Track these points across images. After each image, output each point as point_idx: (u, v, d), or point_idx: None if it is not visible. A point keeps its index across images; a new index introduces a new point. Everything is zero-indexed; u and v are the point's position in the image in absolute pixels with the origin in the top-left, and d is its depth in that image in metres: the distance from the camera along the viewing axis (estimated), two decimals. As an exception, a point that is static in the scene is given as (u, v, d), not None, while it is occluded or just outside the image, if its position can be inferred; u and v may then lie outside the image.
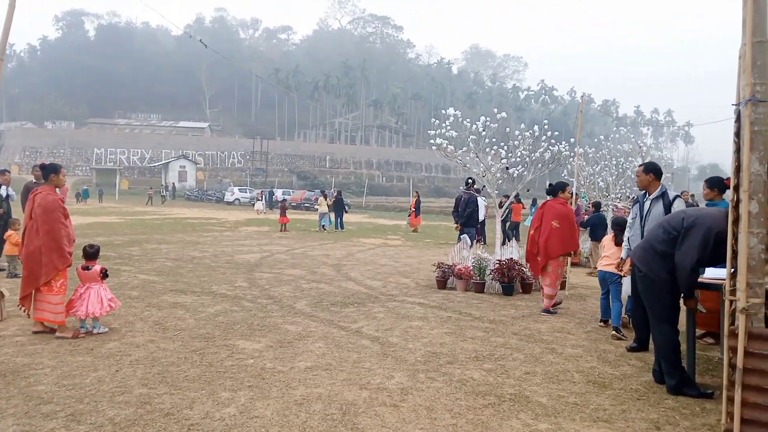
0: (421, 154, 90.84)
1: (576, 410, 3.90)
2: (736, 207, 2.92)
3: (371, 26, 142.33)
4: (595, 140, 15.04)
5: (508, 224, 16.39)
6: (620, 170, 13.49)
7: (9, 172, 11.20)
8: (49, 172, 5.54)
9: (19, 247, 9.22)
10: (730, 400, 2.85)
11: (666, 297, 4.37)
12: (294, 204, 42.86)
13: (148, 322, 6.09)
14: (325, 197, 22.31)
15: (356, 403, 3.89)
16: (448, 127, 9.37)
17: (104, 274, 5.64)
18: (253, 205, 37.80)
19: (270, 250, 13.68)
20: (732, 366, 2.85)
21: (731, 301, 2.91)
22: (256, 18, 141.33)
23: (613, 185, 13.47)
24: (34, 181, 10.53)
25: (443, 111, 9.72)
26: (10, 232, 9.14)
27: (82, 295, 5.47)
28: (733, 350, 2.84)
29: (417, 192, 23.58)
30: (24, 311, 5.53)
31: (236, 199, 47.54)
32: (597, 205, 12.10)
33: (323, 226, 21.34)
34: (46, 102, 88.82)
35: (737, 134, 2.94)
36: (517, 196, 12.95)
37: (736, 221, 2.91)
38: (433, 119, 9.53)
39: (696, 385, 4.30)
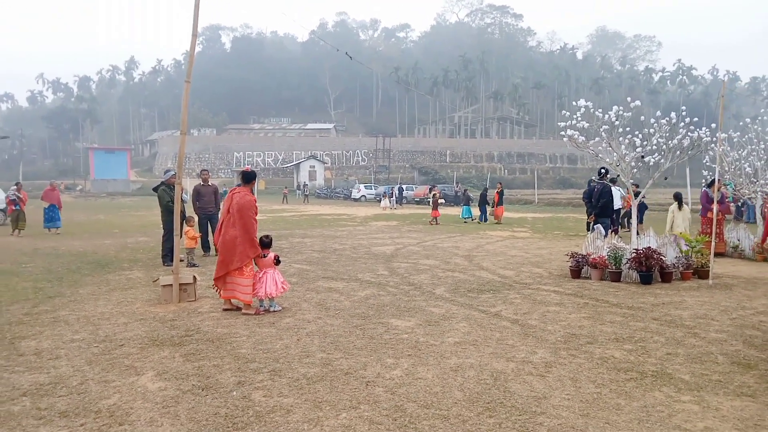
0: (545, 145, 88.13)
1: (719, 386, 4.09)
2: None
3: (489, 17, 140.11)
4: (740, 123, 13.97)
5: (622, 212, 16.01)
6: (770, 155, 12.54)
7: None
8: (251, 178, 6.77)
9: (195, 240, 10.82)
10: None
11: None
12: (417, 199, 44.00)
13: (311, 303, 7.00)
14: (430, 191, 23.84)
15: (505, 372, 4.38)
16: (579, 118, 9.45)
17: (277, 261, 6.62)
18: (379, 201, 39.24)
19: (402, 243, 14.46)
20: None
21: None
22: (375, 19, 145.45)
23: (762, 171, 12.58)
24: (201, 183, 12.18)
25: (574, 102, 9.78)
26: (187, 228, 10.65)
27: (261, 278, 6.47)
28: None
29: (500, 183, 23.77)
30: (216, 290, 6.67)
31: (362, 195, 49.55)
32: None
33: (468, 218, 22.92)
34: (192, 112, 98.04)
35: None
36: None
37: None
38: (564, 111, 9.64)
39: None
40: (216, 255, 11.07)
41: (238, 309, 6.50)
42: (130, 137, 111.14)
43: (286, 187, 50.12)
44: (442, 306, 6.83)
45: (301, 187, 58.66)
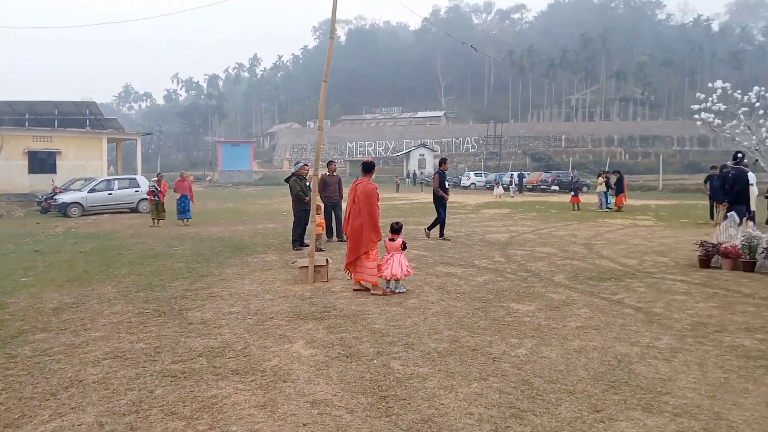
0: (673, 126, 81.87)
1: None
2: None
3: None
4: None
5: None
6: None
7: (308, 165, 13.86)
8: (370, 168, 7.37)
9: (322, 226, 11.67)
10: None
11: None
12: (530, 186, 42.92)
13: (433, 286, 7.43)
14: (601, 175, 23.14)
15: (629, 355, 4.52)
16: (714, 100, 9.01)
17: (404, 246, 7.11)
18: (491, 189, 38.88)
19: (517, 231, 14.49)
20: None
21: None
22: (490, 1, 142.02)
23: None
24: (327, 173, 13.02)
25: (709, 84, 9.33)
26: (315, 216, 11.50)
27: (388, 261, 7.00)
28: None
29: (618, 171, 22.52)
30: (348, 274, 7.31)
31: (472, 183, 49.34)
32: None
33: (605, 205, 22.30)
34: (308, 104, 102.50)
35: None
36: None
37: None
38: (698, 94, 9.23)
39: None
40: (339, 241, 12.00)
41: (367, 290, 7.07)
42: (252, 130, 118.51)
43: (397, 176, 51.14)
44: (561, 292, 6.97)
45: (411, 175, 59.69)
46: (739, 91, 8.67)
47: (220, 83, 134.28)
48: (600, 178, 22.77)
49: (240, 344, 4.98)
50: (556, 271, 8.56)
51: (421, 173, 59.55)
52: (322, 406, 3.62)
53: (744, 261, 8.25)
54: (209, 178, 66.42)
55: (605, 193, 22.47)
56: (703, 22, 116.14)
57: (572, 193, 23.27)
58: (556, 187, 41.24)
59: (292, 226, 11.62)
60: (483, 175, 51.94)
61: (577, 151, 75.51)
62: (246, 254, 10.65)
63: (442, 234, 12.70)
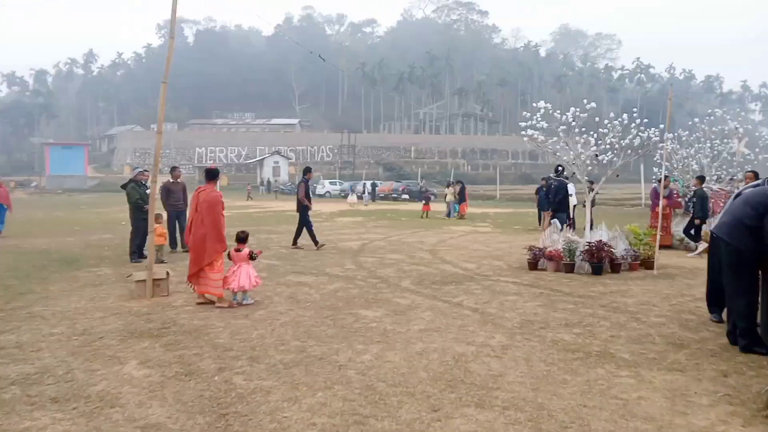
0: (508, 141, 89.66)
1: (654, 363, 4.59)
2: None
3: (455, 13, 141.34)
4: (689, 123, 14.79)
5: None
6: (715, 152, 13.39)
7: (147, 171, 12.90)
8: (214, 175, 6.95)
9: (165, 236, 10.94)
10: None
11: (751, 267, 4.91)
12: (382, 195, 44.37)
13: (283, 296, 7.29)
14: (449, 186, 24.79)
15: (466, 354, 4.79)
16: (539, 119, 9.97)
17: (251, 256, 6.89)
18: (345, 197, 39.49)
19: (369, 238, 14.82)
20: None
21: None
22: (342, 13, 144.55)
23: (708, 168, 13.40)
24: (171, 180, 12.26)
25: (534, 104, 10.31)
26: (155, 225, 10.75)
27: (235, 272, 6.73)
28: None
29: (460, 181, 24.53)
30: (191, 287, 6.90)
31: (327, 191, 49.69)
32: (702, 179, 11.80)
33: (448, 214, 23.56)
34: (152, 106, 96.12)
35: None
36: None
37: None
38: (524, 112, 10.15)
39: (765, 344, 4.82)
40: (183, 252, 11.32)
41: (212, 303, 6.74)
42: (88, 132, 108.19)
43: (249, 184, 49.84)
44: (407, 297, 7.22)
45: (264, 183, 58.64)
46: (558, 111, 9.72)
47: (49, 79, 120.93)
48: (450, 188, 24.25)
49: (62, 369, 4.46)
50: (403, 276, 8.86)
51: (275, 181, 58.74)
52: (153, 430, 3.35)
53: (565, 263, 9.20)
54: (35, 183, 59.40)
55: (454, 202, 23.94)
56: (533, 47, 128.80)
57: (423, 202, 24.49)
58: (407, 196, 43.19)
59: (130, 236, 10.75)
60: (338, 183, 52.55)
61: (425, 162, 79.48)
62: (75, 268, 9.63)
63: (295, 243, 12.57)
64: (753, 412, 3.62)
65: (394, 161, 79.77)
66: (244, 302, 6.75)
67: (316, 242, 12.39)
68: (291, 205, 32.77)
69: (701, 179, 11.81)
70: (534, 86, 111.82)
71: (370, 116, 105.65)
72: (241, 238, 6.94)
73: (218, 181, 7.08)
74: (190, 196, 10.84)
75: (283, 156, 72.90)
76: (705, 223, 11.28)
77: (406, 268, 9.76)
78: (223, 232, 6.77)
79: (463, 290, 7.70)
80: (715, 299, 5.86)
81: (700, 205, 11.23)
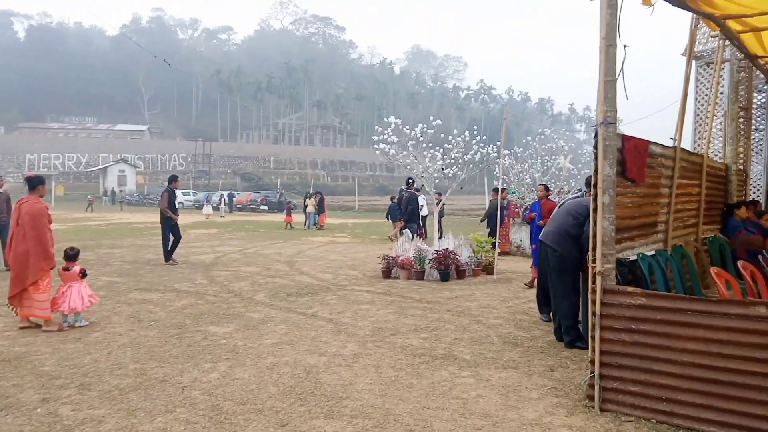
0: (366, 154, 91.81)
1: (491, 362, 4.94)
2: (595, 199, 3.98)
3: (313, 27, 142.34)
4: (524, 141, 16.33)
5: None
6: (545, 167, 14.87)
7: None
8: (36, 183, 6.18)
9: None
10: (593, 338, 3.92)
11: (575, 272, 5.48)
12: (240, 206, 43.14)
13: (123, 315, 6.75)
14: (308, 197, 24.63)
15: (317, 366, 4.79)
16: (390, 133, 10.36)
17: (83, 274, 6.29)
18: (200, 208, 37.81)
19: (223, 251, 14.29)
20: (593, 314, 3.92)
21: (593, 267, 3.97)
22: (195, 18, 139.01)
23: (539, 181, 14.82)
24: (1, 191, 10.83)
25: (385, 119, 10.70)
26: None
27: (65, 293, 6.10)
28: (594, 302, 3.91)
29: (319, 192, 25.06)
30: (12, 309, 6.13)
31: (180, 202, 47.05)
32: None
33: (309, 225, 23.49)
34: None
35: (595, 146, 4.00)
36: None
37: (596, 210, 3.98)
38: (376, 126, 10.50)
39: (586, 340, 5.41)
40: (6, 270, 10.03)
41: (38, 326, 6.05)
42: None
43: (91, 194, 45.68)
44: (261, 311, 7.06)
45: (108, 193, 54.17)
46: (408, 127, 10.23)
47: None
48: (312, 199, 24.22)
49: None
50: (258, 289, 8.65)
51: (121, 191, 54.46)
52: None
53: (416, 271, 9.61)
54: None
55: (314, 213, 24.02)
56: (388, 65, 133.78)
57: (286, 213, 24.46)
58: (266, 207, 42.41)
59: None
60: (191, 194, 50.04)
61: (285, 173, 78.59)
62: None
63: (168, 258, 11.74)
64: (575, 402, 4.03)
65: (253, 171, 77.87)
66: (77, 324, 6.14)
67: (168, 257, 11.70)
68: (138, 217, 30.74)
69: (495, 191, 12.75)
70: (389, 102, 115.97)
71: (226, 125, 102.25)
72: (70, 255, 6.31)
73: (44, 190, 6.32)
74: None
75: (130, 164, 67.81)
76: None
77: (261, 280, 9.55)
78: (50, 248, 6.09)
79: (318, 301, 7.71)
80: (544, 300, 6.47)
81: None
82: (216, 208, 35.66)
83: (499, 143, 10.84)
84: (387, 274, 9.82)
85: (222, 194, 41.82)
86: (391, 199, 20.26)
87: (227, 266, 11.39)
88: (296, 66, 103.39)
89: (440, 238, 10.71)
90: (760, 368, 3.31)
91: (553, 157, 15.14)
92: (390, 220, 18.48)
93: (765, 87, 10.15)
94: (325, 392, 4.16)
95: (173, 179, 12.37)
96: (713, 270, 4.70)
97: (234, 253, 13.78)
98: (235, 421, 3.63)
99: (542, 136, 16.75)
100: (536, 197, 14.25)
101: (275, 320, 6.53)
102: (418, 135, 10.21)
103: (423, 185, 11.19)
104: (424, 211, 13.83)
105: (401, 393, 4.16)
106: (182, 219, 28.72)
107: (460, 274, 9.66)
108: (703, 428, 3.47)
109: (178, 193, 49.77)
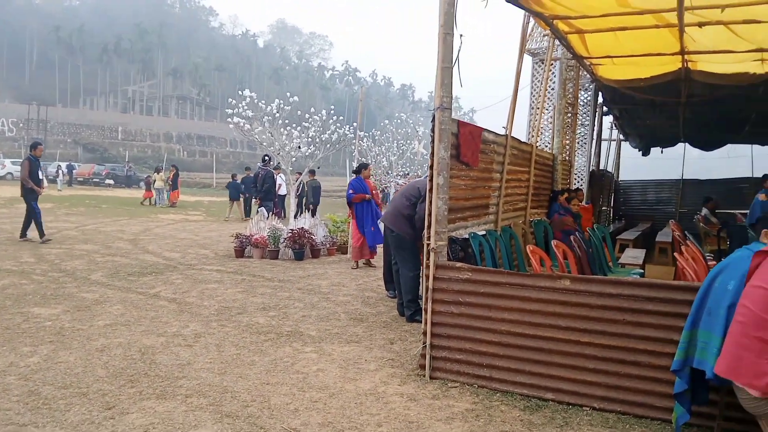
0: (226, 129, 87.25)
1: (336, 337, 5.09)
2: (431, 180, 4.24)
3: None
4: (381, 124, 16.80)
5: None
6: (401, 151, 15.41)
7: None
8: None
9: None
10: (426, 311, 4.20)
11: (412, 249, 5.77)
12: (81, 179, 39.46)
13: (-76, 298, 5.92)
14: (157, 171, 23.26)
15: (154, 346, 4.59)
16: (245, 107, 10.06)
17: None
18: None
19: (57, 227, 13.04)
20: (427, 288, 4.20)
21: (428, 244, 4.24)
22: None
23: (395, 164, 15.35)
24: None
25: (240, 92, 10.37)
26: None
27: None
28: (428, 277, 4.18)
29: (175, 166, 23.92)
30: None
31: (8, 173, 41.83)
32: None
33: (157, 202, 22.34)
34: None
35: (432, 130, 4.25)
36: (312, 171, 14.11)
37: (431, 190, 4.24)
38: (230, 99, 10.14)
39: (424, 313, 5.77)
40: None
41: None
42: None
43: None
44: (96, 291, 6.57)
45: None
46: (263, 101, 10.01)
47: None
48: (161, 174, 22.79)
49: None
50: (95, 269, 8.03)
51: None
52: None
53: (270, 250, 9.52)
54: None
55: (164, 189, 22.63)
56: (251, 37, 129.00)
57: (146, 188, 23.79)
58: (111, 181, 39.26)
59: None
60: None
61: (135, 145, 72.93)
62: None
63: (24, 235, 10.37)
64: (408, 372, 4.29)
65: (98, 142, 71.24)
66: None
67: (23, 234, 10.45)
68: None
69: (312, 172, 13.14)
70: (252, 75, 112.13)
71: (66, 88, 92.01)
72: None
73: None
74: None
75: (-58, 127, 58.74)
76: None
77: (99, 259, 8.87)
78: None
79: (162, 281, 7.35)
80: (390, 278, 6.77)
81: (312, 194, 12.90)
82: (53, 180, 32.24)
83: (355, 124, 11.04)
84: (240, 253, 9.62)
85: (59, 165, 37.83)
86: (232, 176, 19.78)
87: (61, 244, 10.44)
88: (149, 29, 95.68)
89: (296, 217, 10.69)
90: (563, 335, 3.77)
91: (408, 141, 15.74)
92: (229, 199, 18.15)
93: (591, 86, 11.38)
94: (159, 373, 4.01)
95: (35, 145, 10.85)
96: (529, 248, 5.25)
97: (70, 230, 12.65)
98: (55, 405, 3.37)
99: (398, 121, 17.32)
100: (395, 180, 14.93)
101: (111, 300, 6.13)
102: (275, 111, 10.04)
103: (279, 163, 11.06)
104: (282, 190, 13.68)
105: (241, 370, 4.14)
106: (9, 192, 25.77)
107: (315, 253, 9.74)
108: (516, 390, 3.89)
109: (7, 161, 44.34)
